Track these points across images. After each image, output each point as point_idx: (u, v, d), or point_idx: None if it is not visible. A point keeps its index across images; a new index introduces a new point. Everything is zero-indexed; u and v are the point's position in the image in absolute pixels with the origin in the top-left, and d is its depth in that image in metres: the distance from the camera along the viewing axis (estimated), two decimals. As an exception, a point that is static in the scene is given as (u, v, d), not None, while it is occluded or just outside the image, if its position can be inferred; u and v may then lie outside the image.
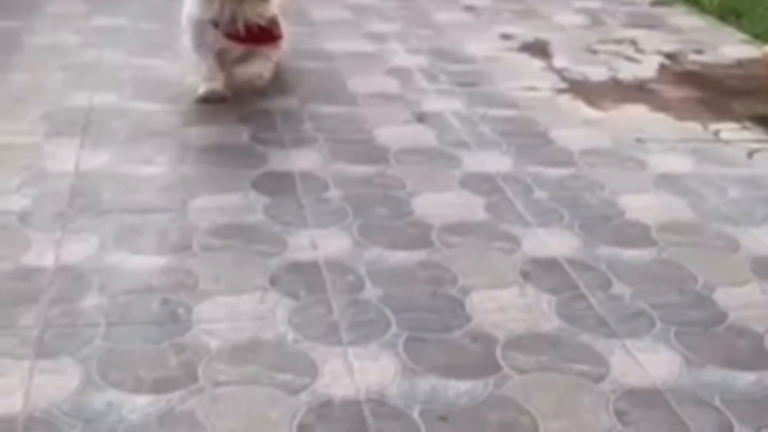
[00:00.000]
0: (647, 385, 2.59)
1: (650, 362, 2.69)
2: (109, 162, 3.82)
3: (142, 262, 3.07)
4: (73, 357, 2.57)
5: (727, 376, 2.66)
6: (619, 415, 2.46)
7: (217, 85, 4.43)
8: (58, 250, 3.11)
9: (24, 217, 3.33)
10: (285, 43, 4.59)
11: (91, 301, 2.84)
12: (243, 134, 4.18)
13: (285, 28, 4.50)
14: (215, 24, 4.24)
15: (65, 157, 3.83)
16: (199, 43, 4.35)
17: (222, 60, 4.41)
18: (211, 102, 4.42)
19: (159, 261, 3.09)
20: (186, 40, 4.47)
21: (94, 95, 4.55)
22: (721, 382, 2.62)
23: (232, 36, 4.28)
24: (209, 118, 4.33)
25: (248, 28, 4.25)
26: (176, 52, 4.87)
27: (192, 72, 4.58)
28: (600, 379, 2.61)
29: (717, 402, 2.53)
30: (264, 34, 4.32)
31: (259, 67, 4.41)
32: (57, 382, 2.46)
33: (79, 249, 3.13)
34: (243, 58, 4.43)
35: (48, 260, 3.05)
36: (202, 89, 4.44)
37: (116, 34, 5.54)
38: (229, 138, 4.15)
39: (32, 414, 2.34)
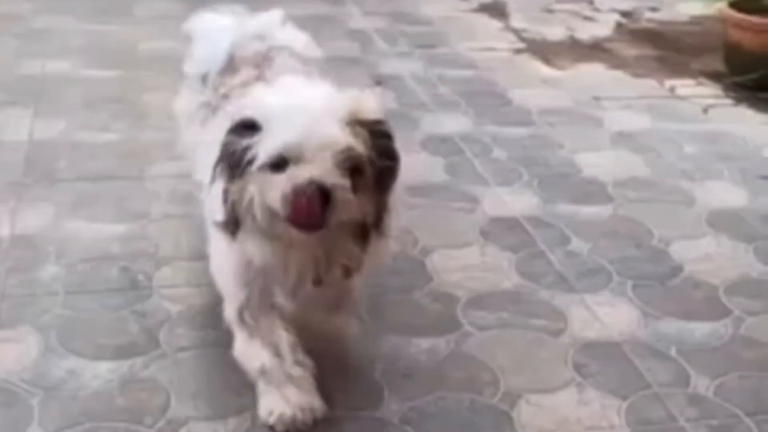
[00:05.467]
0: (605, 338, 2.63)
1: (608, 316, 2.73)
2: (65, 130, 3.78)
3: (100, 230, 3.05)
4: (32, 326, 2.55)
5: (684, 327, 2.70)
6: (578, 367, 2.50)
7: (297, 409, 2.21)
8: (14, 220, 3.08)
9: (-22, 187, 3.28)
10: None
11: (48, 270, 2.82)
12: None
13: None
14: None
15: (19, 126, 3.78)
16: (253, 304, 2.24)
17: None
18: None
19: (117, 229, 3.07)
20: (222, 281, 2.32)
21: (47, 63, 4.48)
22: (677, 334, 2.67)
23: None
24: (165, 84, 4.27)
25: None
26: (129, 17, 4.80)
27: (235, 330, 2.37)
28: (559, 333, 2.64)
29: (673, 353, 2.58)
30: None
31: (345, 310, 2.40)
32: (16, 351, 2.45)
33: (35, 218, 3.10)
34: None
35: (3, 230, 3.01)
36: (270, 415, 2.22)
37: (68, 0, 5.44)
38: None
39: (-8, 384, 2.33)
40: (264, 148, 1.93)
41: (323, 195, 1.89)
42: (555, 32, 5.41)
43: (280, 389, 2.19)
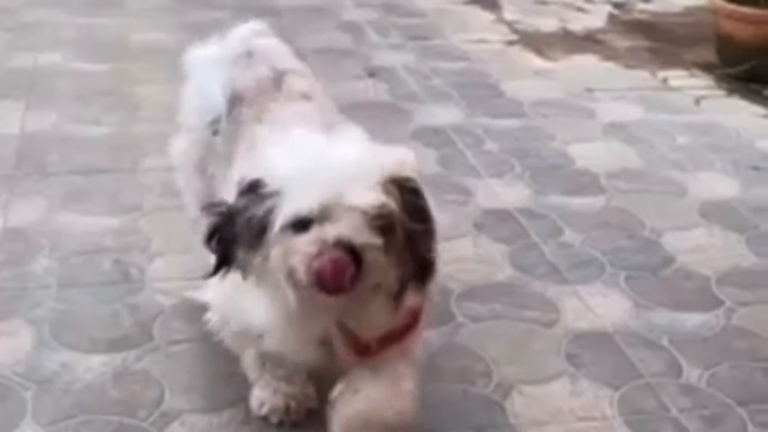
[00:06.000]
0: (598, 329, 2.64)
1: (600, 307, 2.74)
2: (56, 123, 3.77)
3: (93, 224, 3.04)
4: (25, 319, 2.55)
5: (676, 318, 2.71)
6: (570, 358, 2.51)
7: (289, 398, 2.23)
8: (6, 213, 3.07)
9: (-30, 181, 3.28)
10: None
11: (41, 263, 2.81)
12: (192, 92, 4.13)
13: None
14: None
15: (10, 120, 3.77)
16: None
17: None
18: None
19: (110, 222, 3.07)
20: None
21: (39, 56, 4.46)
22: (669, 324, 2.68)
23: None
24: (157, 76, 4.27)
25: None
26: (121, 9, 4.79)
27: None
28: (552, 324, 2.65)
29: (665, 343, 2.59)
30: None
31: (387, 397, 1.98)
32: (9, 345, 2.44)
33: (27, 212, 3.09)
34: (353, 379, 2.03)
35: (-4, 224, 3.01)
36: (261, 407, 2.24)
37: (59, -7, 5.43)
38: (178, 97, 4.09)
39: (-15, 377, 2.33)
40: (285, 210, 1.75)
41: (352, 255, 1.71)
42: (547, 24, 5.40)
43: (271, 383, 2.19)
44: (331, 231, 1.71)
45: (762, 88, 4.48)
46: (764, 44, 4.46)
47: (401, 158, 1.84)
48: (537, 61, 4.80)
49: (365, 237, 1.72)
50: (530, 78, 4.57)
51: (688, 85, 4.57)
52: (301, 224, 1.74)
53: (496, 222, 3.20)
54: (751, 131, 4.04)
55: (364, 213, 1.72)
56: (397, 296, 1.85)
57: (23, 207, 3.12)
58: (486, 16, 5.50)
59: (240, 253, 1.83)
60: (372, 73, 4.49)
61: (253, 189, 1.81)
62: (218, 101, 2.33)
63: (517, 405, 2.31)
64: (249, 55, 2.42)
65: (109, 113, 3.88)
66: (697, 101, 4.38)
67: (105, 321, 2.56)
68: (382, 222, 1.74)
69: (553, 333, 2.62)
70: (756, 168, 3.70)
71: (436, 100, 4.21)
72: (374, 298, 1.84)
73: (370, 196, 1.73)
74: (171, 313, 2.61)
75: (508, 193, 3.39)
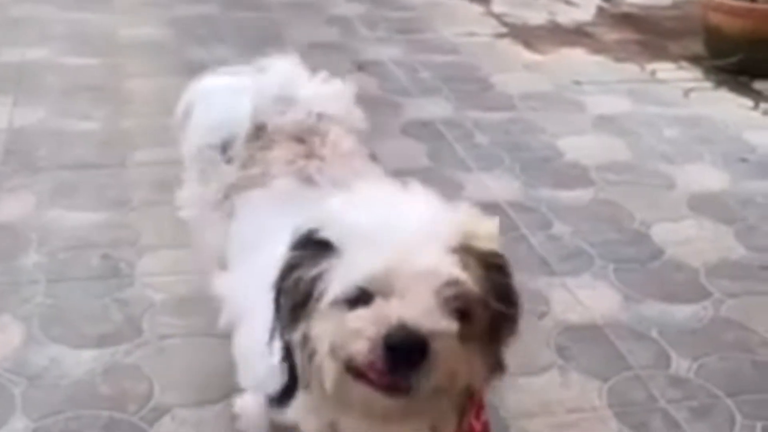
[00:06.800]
0: (587, 321, 2.65)
1: (590, 299, 2.75)
2: (44, 118, 3.75)
3: (82, 218, 3.04)
4: (13, 315, 2.54)
5: (665, 309, 2.72)
6: (560, 350, 2.51)
7: None
8: (-6, 209, 3.06)
9: (-42, 176, 3.26)
10: None
11: (30, 258, 2.80)
12: (182, 87, 4.11)
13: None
14: None
15: (-2, 115, 3.75)
16: None
17: None
18: None
19: (99, 217, 3.06)
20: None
21: (27, 51, 4.44)
22: (658, 316, 2.69)
23: None
24: (146, 71, 4.26)
25: None
26: (108, 4, 4.77)
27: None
28: (541, 317, 2.66)
29: (654, 334, 2.60)
30: None
31: None
32: (-2, 341, 2.44)
33: (15, 207, 3.08)
34: None
35: (-16, 219, 3.00)
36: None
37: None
38: (167, 91, 4.08)
39: (-26, 373, 2.33)
40: (340, 275, 1.40)
41: (418, 345, 1.34)
42: (536, 17, 5.41)
43: None
44: (394, 310, 1.35)
45: (750, 80, 4.50)
46: (752, 37, 4.47)
47: (481, 225, 1.52)
48: (526, 54, 4.81)
49: (437, 321, 1.35)
50: (519, 71, 4.57)
51: (677, 77, 4.58)
52: (357, 296, 1.38)
53: (486, 214, 3.19)
54: (739, 123, 4.06)
55: (438, 290, 1.36)
56: (469, 398, 1.48)
57: (11, 202, 3.11)
58: (475, 9, 5.50)
59: (282, 322, 1.48)
60: (361, 67, 4.49)
61: (307, 242, 1.46)
62: (237, 122, 2.02)
63: (507, 397, 2.32)
64: (289, 98, 2.08)
65: (97, 108, 3.86)
66: (686, 94, 4.39)
67: (94, 316, 2.56)
68: (458, 304, 1.38)
69: (543, 325, 2.62)
70: (744, 160, 3.71)
71: (426, 94, 4.21)
72: (438, 401, 1.43)
73: (447, 270, 1.38)
74: (160, 307, 2.61)
75: (498, 186, 3.40)
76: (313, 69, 2.16)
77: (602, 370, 2.44)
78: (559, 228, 3.14)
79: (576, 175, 3.52)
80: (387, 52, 4.69)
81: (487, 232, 1.51)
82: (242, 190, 1.98)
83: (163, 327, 2.53)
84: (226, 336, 2.44)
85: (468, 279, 1.39)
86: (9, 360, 2.36)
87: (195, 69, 4.34)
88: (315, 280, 1.43)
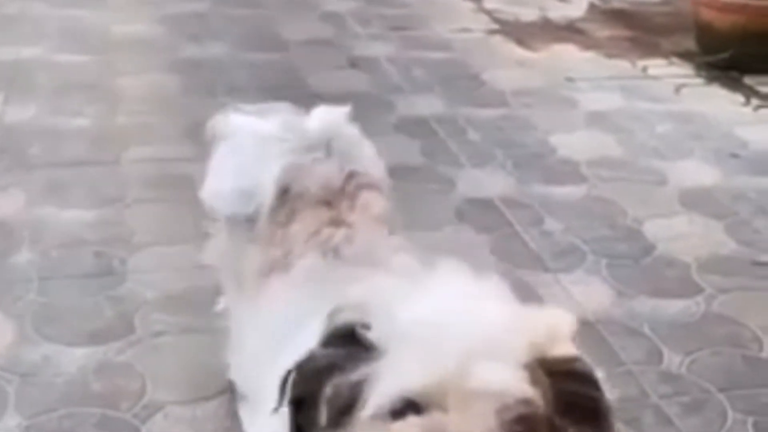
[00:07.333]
0: (579, 317, 2.63)
1: (582, 295, 2.75)
2: (37, 115, 3.74)
3: (74, 216, 3.03)
4: (6, 312, 2.53)
5: (656, 305, 2.73)
6: (553, 346, 2.52)
7: None
8: (-13, 207, 3.06)
9: (-50, 174, 3.26)
10: None
11: (22, 256, 2.80)
12: (174, 84, 4.13)
13: None
14: None
15: (-10, 112, 3.74)
16: None
17: None
18: None
19: (91, 214, 3.05)
20: None
21: (20, 48, 4.43)
22: (650, 312, 2.70)
23: None
24: (139, 68, 4.25)
25: None
26: (101, 1, 4.76)
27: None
28: (534, 313, 2.66)
29: (646, 330, 2.61)
30: None
31: None
32: (-9, 339, 2.44)
33: (7, 204, 3.07)
34: None
35: (-24, 217, 2.99)
36: None
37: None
38: (160, 88, 4.09)
39: (-33, 371, 2.32)
40: (385, 383, 1.18)
41: None
42: (528, 13, 5.41)
43: None
44: (451, 425, 1.14)
45: (741, 76, 4.51)
46: (743, 33, 4.48)
47: (557, 326, 1.27)
48: (518, 51, 4.81)
49: None
50: (512, 67, 4.58)
51: (668, 73, 4.60)
52: (405, 407, 1.17)
53: (479, 211, 3.21)
54: (730, 119, 4.07)
55: (500, 411, 1.14)
56: None
57: (4, 200, 3.10)
58: (467, 5, 5.50)
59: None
60: (354, 64, 4.49)
61: (347, 337, 1.23)
62: (263, 192, 1.81)
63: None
64: (327, 149, 1.85)
65: (90, 105, 3.86)
66: (677, 90, 4.40)
67: (87, 313, 2.56)
68: (522, 428, 1.16)
69: (535, 321, 2.63)
70: (735, 155, 3.72)
71: (418, 91, 4.21)
72: None
73: (514, 389, 1.15)
74: (153, 305, 2.60)
75: (491, 183, 3.40)
76: (307, 65, 2.13)
77: (594, 365, 2.44)
78: (551, 224, 3.14)
79: (568, 172, 3.53)
80: (380, 49, 4.69)
81: (564, 335, 1.27)
82: (263, 276, 1.76)
83: (156, 324, 2.53)
84: (219, 333, 2.45)
85: (537, 398, 1.17)
86: (2, 358, 2.36)
87: (187, 67, 4.37)
88: (353, 387, 1.20)
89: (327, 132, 1.87)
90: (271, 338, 1.61)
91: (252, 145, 1.88)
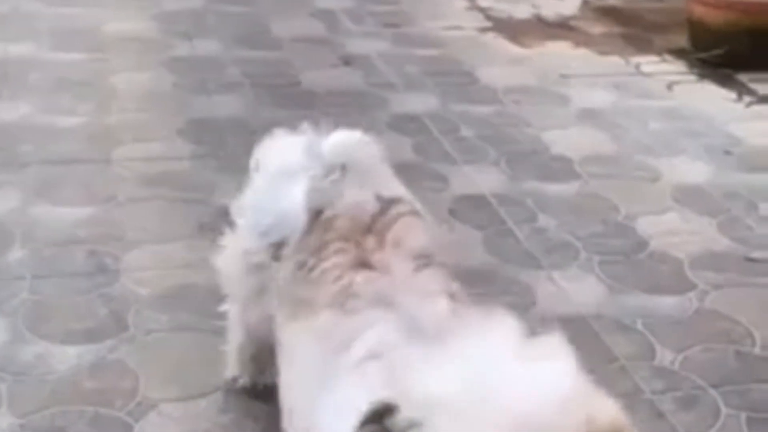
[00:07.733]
0: (572, 313, 2.66)
1: (575, 291, 2.76)
2: (29, 113, 3.73)
3: (67, 214, 3.03)
4: (-2, 311, 2.54)
5: (649, 301, 2.74)
6: (546, 343, 2.52)
7: None
8: (-21, 205, 3.05)
9: (-58, 172, 3.25)
10: None
11: (15, 254, 2.79)
12: (167, 81, 4.12)
13: None
14: None
15: (-18, 111, 3.73)
16: None
17: None
18: None
19: (84, 212, 3.05)
20: None
21: (11, 46, 4.42)
22: (643, 307, 2.70)
23: None
24: (131, 66, 4.24)
25: None
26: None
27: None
28: (527, 309, 2.67)
29: (639, 326, 2.61)
30: None
31: None
32: (-17, 337, 2.43)
33: (0, 203, 3.06)
34: None
35: (-31, 215, 2.99)
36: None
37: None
38: (153, 86, 4.08)
39: (-41, 370, 2.32)
40: None
41: None
42: (521, 10, 5.41)
43: None
44: None
45: (733, 72, 4.51)
46: (736, 29, 4.49)
47: (605, 412, 1.21)
48: (511, 48, 4.81)
49: None
50: (505, 65, 4.58)
51: (661, 70, 4.60)
52: None
53: (472, 208, 3.21)
54: (723, 116, 4.08)
55: None
56: None
57: (-4, 198, 3.10)
58: (460, 2, 5.49)
59: None
60: (347, 61, 4.48)
61: (378, 421, 1.16)
62: (288, 216, 1.75)
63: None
64: (343, 169, 1.79)
65: (83, 103, 3.84)
66: (670, 86, 4.41)
67: (80, 311, 2.55)
68: None
69: (529, 318, 2.62)
70: (728, 152, 3.73)
71: (411, 88, 4.21)
72: None
73: None
74: (146, 302, 2.60)
75: (484, 180, 3.41)
76: (299, 63, 2.14)
77: (587, 361, 2.44)
78: (544, 221, 3.15)
79: (561, 168, 3.53)
80: (373, 46, 4.69)
81: (612, 420, 1.21)
82: (287, 320, 1.68)
83: (149, 322, 2.52)
84: (213, 331, 2.45)
85: None
86: (-6, 356, 2.36)
87: (180, 64, 4.36)
88: None
89: (342, 155, 1.81)
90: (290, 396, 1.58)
91: (278, 174, 1.85)
